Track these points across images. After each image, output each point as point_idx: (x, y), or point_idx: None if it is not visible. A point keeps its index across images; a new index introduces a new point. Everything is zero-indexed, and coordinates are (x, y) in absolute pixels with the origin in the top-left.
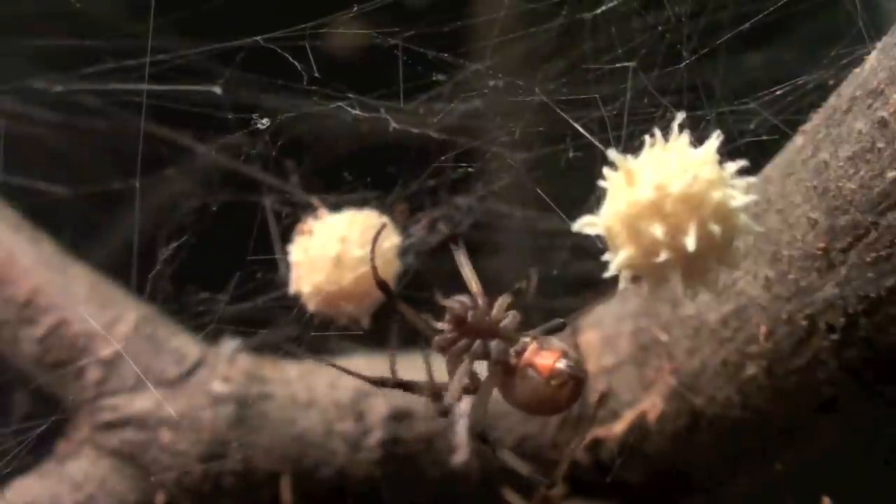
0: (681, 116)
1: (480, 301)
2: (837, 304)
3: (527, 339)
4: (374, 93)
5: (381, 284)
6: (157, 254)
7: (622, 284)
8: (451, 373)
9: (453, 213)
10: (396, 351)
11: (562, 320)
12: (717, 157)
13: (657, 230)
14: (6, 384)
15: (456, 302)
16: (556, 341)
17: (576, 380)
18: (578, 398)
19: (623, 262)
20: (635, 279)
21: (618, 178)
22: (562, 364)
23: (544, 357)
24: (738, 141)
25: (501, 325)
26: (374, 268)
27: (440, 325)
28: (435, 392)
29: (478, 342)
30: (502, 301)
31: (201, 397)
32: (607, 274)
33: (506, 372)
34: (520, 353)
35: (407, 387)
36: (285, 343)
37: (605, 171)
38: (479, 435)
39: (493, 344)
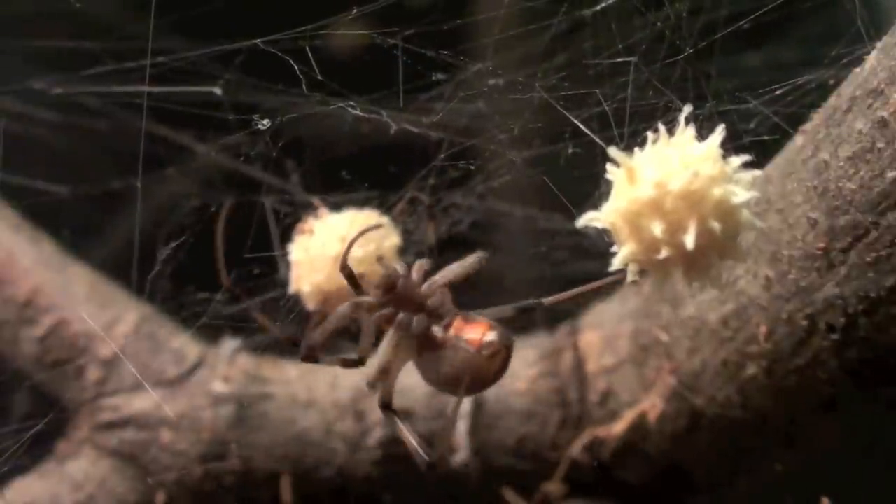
0: (687, 109)
1: (416, 275)
2: (837, 304)
3: (452, 314)
4: (374, 93)
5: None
6: (156, 254)
7: (630, 277)
8: (366, 331)
9: (453, 212)
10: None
11: (538, 300)
12: (720, 152)
13: (657, 228)
14: (6, 384)
15: (391, 270)
16: (479, 316)
17: (506, 349)
18: (506, 370)
19: (626, 257)
20: (643, 272)
21: (620, 174)
22: (491, 335)
23: (473, 330)
24: (738, 141)
25: (430, 300)
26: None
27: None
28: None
29: (403, 314)
30: (438, 278)
31: (201, 397)
32: (612, 268)
33: (432, 346)
34: (447, 327)
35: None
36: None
37: (609, 167)
38: (386, 405)
39: (417, 318)
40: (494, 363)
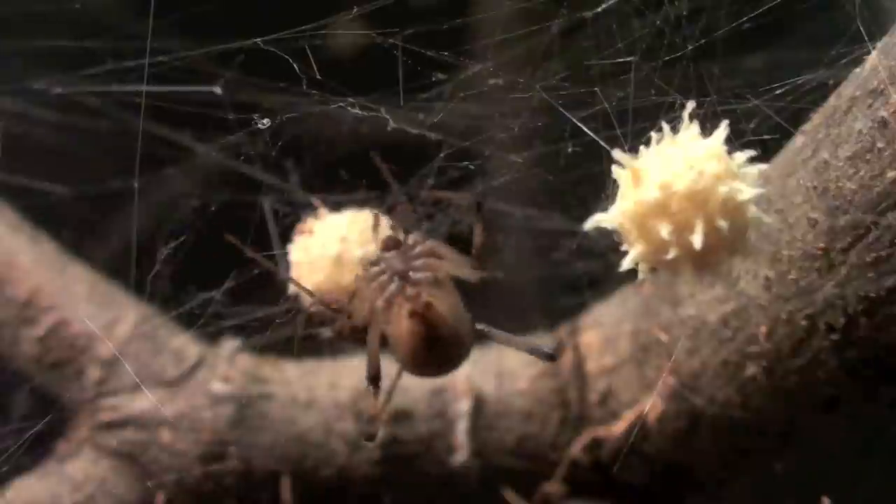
0: (691, 105)
1: (420, 246)
2: (837, 304)
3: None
4: (374, 93)
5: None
6: (156, 254)
7: (641, 276)
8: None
9: (453, 212)
10: None
11: (552, 353)
12: (724, 148)
13: (664, 230)
14: (6, 384)
15: (393, 238)
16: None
17: (419, 311)
18: (448, 332)
19: (635, 258)
20: (654, 270)
21: (626, 176)
22: (393, 286)
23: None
24: (738, 141)
25: (415, 262)
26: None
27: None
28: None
29: (387, 276)
30: (427, 246)
31: (201, 397)
32: (622, 268)
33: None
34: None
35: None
36: (284, 342)
37: (614, 168)
38: (374, 378)
39: (394, 283)
40: (412, 324)
